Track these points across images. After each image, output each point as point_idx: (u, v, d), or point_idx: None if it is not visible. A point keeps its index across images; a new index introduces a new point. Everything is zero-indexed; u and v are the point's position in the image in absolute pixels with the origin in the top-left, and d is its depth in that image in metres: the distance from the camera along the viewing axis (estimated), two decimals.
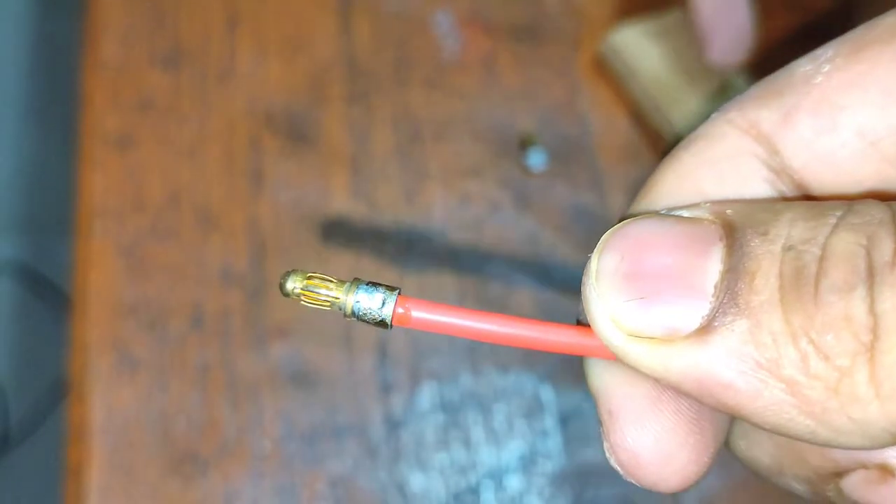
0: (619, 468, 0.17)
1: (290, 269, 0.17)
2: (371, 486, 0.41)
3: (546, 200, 0.47)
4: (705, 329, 0.14)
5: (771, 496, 0.42)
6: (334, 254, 0.45)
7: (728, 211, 0.15)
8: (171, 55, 0.49)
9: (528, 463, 0.42)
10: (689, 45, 0.46)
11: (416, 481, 0.41)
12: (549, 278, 0.45)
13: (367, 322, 0.17)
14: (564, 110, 0.50)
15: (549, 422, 0.43)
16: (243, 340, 0.43)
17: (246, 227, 0.45)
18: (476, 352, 0.44)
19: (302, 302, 0.17)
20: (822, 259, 0.14)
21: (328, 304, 0.17)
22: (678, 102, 0.47)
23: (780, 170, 0.16)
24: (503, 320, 0.17)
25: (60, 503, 0.40)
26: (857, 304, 0.13)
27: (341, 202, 0.46)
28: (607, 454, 0.17)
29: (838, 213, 0.14)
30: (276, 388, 0.42)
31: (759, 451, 0.18)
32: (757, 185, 0.16)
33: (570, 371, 0.44)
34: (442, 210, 0.46)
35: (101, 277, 0.43)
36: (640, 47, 0.48)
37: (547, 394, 0.43)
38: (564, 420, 0.43)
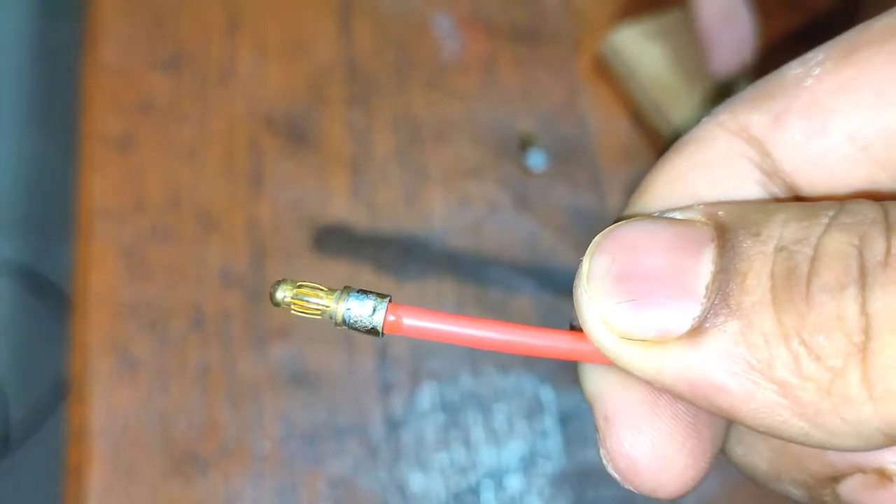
0: (616, 475, 0.17)
1: (279, 279, 0.17)
2: (371, 487, 0.41)
3: (546, 201, 0.47)
4: (697, 330, 0.14)
5: (769, 499, 0.42)
6: (334, 255, 0.45)
7: (720, 212, 0.15)
8: (172, 57, 0.49)
9: (528, 463, 0.42)
10: (688, 45, 0.46)
11: (417, 481, 0.41)
12: (548, 281, 0.45)
13: (359, 330, 0.17)
14: (564, 111, 0.50)
15: (549, 422, 0.43)
16: (243, 341, 0.43)
17: (246, 228, 0.45)
18: (476, 352, 0.44)
19: (292, 311, 0.17)
20: (814, 259, 0.13)
21: (319, 312, 0.17)
22: (678, 102, 0.47)
23: (771, 172, 0.16)
24: (495, 327, 0.16)
25: (61, 503, 0.40)
26: (849, 304, 0.13)
27: (341, 204, 0.46)
28: (604, 460, 0.17)
29: (830, 213, 0.14)
30: (277, 388, 0.42)
31: (756, 457, 0.18)
32: (749, 186, 0.16)
33: (570, 371, 0.44)
34: (442, 211, 0.47)
35: (101, 278, 0.43)
36: (639, 48, 0.48)
37: (547, 394, 0.43)
38: (564, 420, 0.43)
